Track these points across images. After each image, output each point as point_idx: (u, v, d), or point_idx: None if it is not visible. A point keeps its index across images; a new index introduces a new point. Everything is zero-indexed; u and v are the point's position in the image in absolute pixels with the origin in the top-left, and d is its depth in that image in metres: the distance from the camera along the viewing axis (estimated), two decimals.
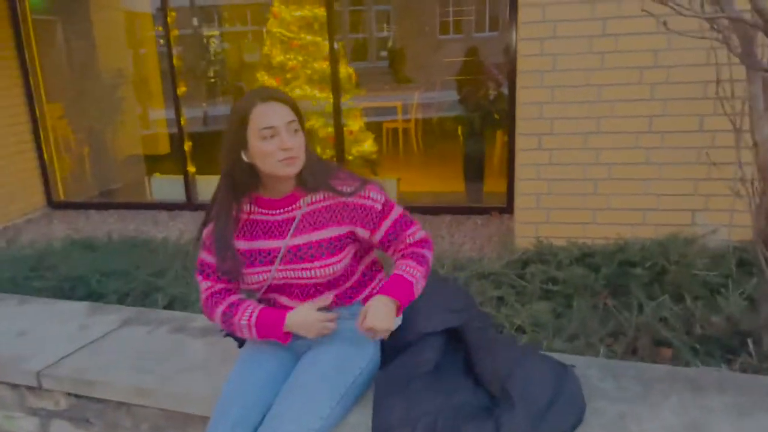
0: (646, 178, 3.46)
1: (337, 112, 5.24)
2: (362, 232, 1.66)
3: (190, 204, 5.55)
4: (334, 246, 1.64)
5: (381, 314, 1.52)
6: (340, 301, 1.72)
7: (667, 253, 3.04)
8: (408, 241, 1.69)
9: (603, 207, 3.57)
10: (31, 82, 5.52)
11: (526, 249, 3.49)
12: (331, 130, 5.41)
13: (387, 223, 1.66)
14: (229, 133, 1.59)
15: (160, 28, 5.45)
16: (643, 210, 3.52)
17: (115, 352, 2.11)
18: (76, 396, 2.01)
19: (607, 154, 3.48)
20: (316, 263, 1.63)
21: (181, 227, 5.11)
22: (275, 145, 1.55)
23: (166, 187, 5.78)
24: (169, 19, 5.37)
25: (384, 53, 9.33)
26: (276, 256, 1.65)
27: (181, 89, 5.51)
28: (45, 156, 5.68)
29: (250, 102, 1.57)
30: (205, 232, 1.71)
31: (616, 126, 3.43)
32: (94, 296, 3.41)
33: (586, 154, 3.50)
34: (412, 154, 7.30)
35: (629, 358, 2.27)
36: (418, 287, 1.63)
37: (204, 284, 1.75)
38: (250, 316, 1.66)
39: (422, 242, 1.71)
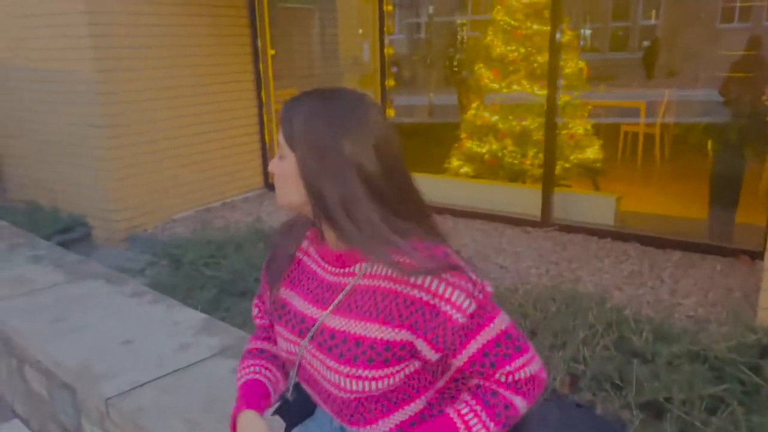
0: None
1: (551, 111, 4.49)
2: (427, 350, 1.06)
3: None
4: (377, 354, 1.06)
5: None
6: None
7: None
8: (500, 378, 1.07)
9: None
10: (261, 69, 5.80)
11: None
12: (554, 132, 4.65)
13: (473, 347, 1.04)
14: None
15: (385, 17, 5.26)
16: None
17: (187, 391, 1.88)
18: None
19: None
20: (343, 368, 1.08)
21: None
22: None
23: None
24: (386, 8, 5.14)
25: (638, 43, 8.03)
26: (309, 329, 1.15)
27: (391, 81, 5.28)
28: (266, 139, 5.97)
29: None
30: (269, 252, 1.29)
31: None
32: (248, 295, 3.34)
33: None
34: (646, 166, 6.09)
35: None
36: None
37: (254, 310, 1.37)
38: (239, 379, 1.26)
39: (521, 385, 1.07)
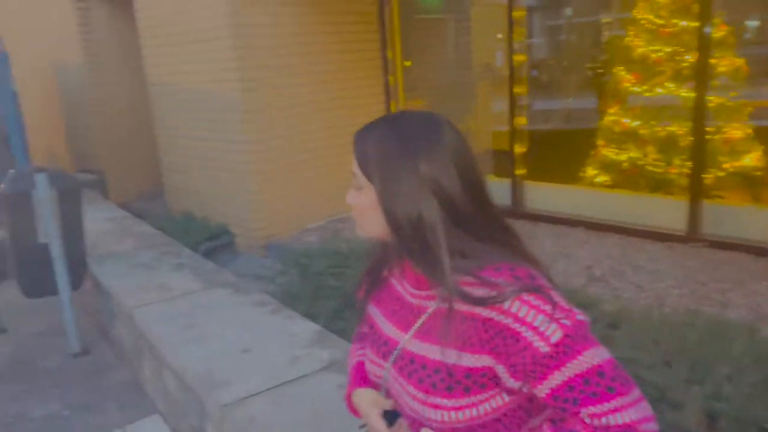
0: None
1: (699, 114, 4.07)
2: (507, 378, 0.98)
3: (515, 211, 5.16)
4: (456, 381, 1.00)
5: None
6: None
7: None
8: (584, 418, 0.95)
9: None
10: (390, 80, 5.90)
11: None
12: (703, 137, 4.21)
13: (556, 380, 0.94)
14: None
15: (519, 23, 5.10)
16: None
17: (294, 405, 1.94)
18: None
19: None
20: (422, 395, 1.03)
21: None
22: None
23: (496, 189, 5.51)
24: (515, 13, 4.99)
25: None
26: (391, 352, 1.12)
27: (520, 87, 5.11)
28: None
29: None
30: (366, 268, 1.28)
31: None
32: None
33: None
34: None
35: None
36: None
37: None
38: (351, 362, 1.29)
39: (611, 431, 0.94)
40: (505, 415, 1.03)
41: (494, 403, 1.01)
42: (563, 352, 0.93)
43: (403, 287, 1.15)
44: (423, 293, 1.10)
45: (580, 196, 5.04)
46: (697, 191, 4.14)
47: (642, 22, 4.95)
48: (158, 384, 2.83)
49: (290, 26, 5.11)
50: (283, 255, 4.62)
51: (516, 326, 0.94)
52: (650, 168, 4.84)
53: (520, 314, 0.94)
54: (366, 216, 1.08)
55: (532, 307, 0.94)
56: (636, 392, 0.97)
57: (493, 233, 1.05)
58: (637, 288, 3.64)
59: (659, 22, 4.84)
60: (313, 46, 5.29)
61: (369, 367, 1.19)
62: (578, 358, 0.93)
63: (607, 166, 5.16)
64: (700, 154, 4.13)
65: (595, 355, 0.94)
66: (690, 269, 3.79)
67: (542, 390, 0.96)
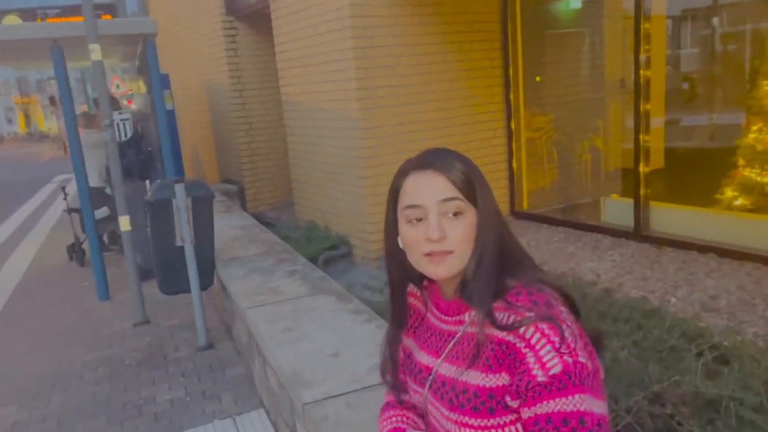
0: None
1: None
2: (509, 398, 1.02)
3: (637, 233, 4.88)
4: (481, 402, 1.04)
5: None
6: None
7: None
8: None
9: None
10: (511, 98, 5.85)
11: None
12: None
13: (541, 409, 0.97)
14: (386, 210, 1.18)
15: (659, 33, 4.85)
16: None
17: (366, 409, 2.03)
18: None
19: None
20: (452, 415, 1.08)
21: (617, 259, 4.56)
22: (421, 232, 1.07)
23: (618, 210, 5.25)
24: (645, 26, 4.75)
25: None
26: (427, 378, 1.17)
27: (653, 102, 4.84)
28: (514, 167, 5.97)
29: (404, 170, 1.13)
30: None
31: None
32: None
33: None
34: None
35: None
36: None
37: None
38: (381, 430, 1.30)
39: None
40: None
41: (518, 428, 1.03)
42: (557, 387, 0.96)
43: (433, 315, 1.20)
44: (453, 318, 1.15)
45: (713, 220, 4.67)
46: None
47: None
48: (263, 380, 3.07)
49: (410, 46, 5.28)
50: None
51: (525, 351, 0.98)
52: None
53: (532, 341, 0.98)
54: (461, 247, 1.06)
55: (544, 335, 0.98)
56: None
57: (521, 259, 1.12)
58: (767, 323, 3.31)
59: None
60: (432, 66, 5.42)
61: (412, 396, 1.24)
62: (568, 398, 0.96)
63: (748, 189, 4.73)
64: None
65: (585, 402, 0.96)
66: None
67: (527, 413, 0.99)
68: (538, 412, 0.97)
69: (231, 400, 3.41)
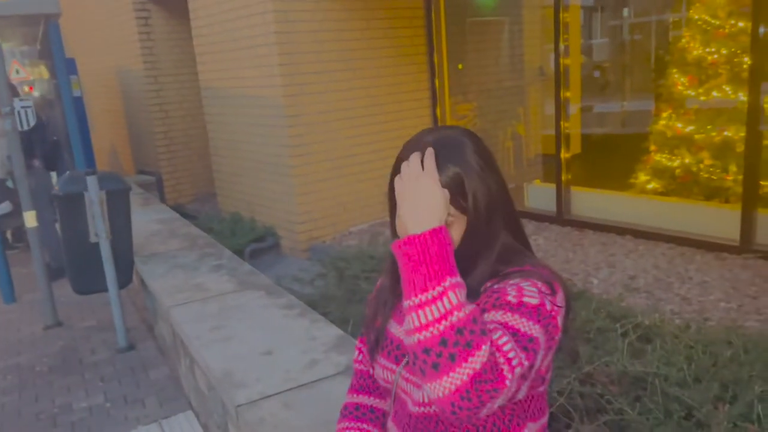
0: None
1: (753, 118, 3.86)
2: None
3: (559, 217, 5.04)
4: None
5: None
6: None
7: None
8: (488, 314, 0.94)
9: None
10: (437, 85, 5.87)
11: None
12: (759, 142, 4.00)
13: (496, 317, 0.93)
14: (388, 190, 1.10)
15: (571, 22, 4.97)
16: None
17: (304, 408, 1.96)
18: None
19: None
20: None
21: (542, 243, 4.68)
22: None
23: (540, 195, 5.40)
24: (563, 15, 4.87)
25: None
26: (404, 354, 1.11)
27: (568, 90, 4.98)
28: None
29: (406, 151, 1.05)
30: (378, 284, 1.28)
31: None
32: None
33: None
34: None
35: None
36: (441, 305, 0.85)
37: (356, 353, 1.36)
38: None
39: (496, 347, 0.86)
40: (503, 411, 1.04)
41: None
42: (524, 310, 0.94)
43: None
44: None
45: (629, 203, 4.88)
46: (752, 200, 3.93)
47: (698, 22, 4.74)
48: (191, 381, 2.93)
49: (335, 32, 5.18)
50: (324, 258, 4.68)
51: (507, 288, 0.98)
52: (704, 175, 4.63)
53: (520, 284, 0.98)
54: (459, 249, 1.03)
55: (533, 284, 0.98)
56: (514, 377, 0.88)
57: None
58: (683, 300, 3.49)
59: (716, 23, 4.63)
60: (357, 52, 5.33)
61: (379, 373, 1.19)
62: (528, 322, 0.93)
63: (659, 173, 4.97)
64: (757, 161, 3.92)
65: (533, 329, 0.93)
66: (741, 281, 3.61)
67: (486, 287, 1.02)
68: (494, 318, 0.93)
69: (156, 403, 3.24)
